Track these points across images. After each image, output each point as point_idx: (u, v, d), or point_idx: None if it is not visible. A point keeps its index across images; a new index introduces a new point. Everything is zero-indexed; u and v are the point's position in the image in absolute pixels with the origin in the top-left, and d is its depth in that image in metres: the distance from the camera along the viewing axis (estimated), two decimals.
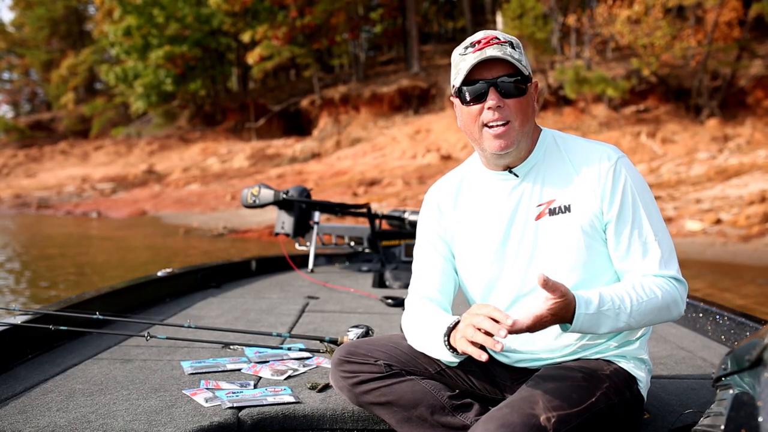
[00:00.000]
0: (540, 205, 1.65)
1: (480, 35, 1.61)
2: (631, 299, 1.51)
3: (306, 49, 31.80)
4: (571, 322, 1.45)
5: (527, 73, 1.60)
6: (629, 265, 1.60)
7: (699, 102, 22.39)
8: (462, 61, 1.60)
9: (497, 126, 1.59)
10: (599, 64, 24.14)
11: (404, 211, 5.14)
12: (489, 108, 1.58)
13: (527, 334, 1.66)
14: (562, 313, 1.43)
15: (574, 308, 1.44)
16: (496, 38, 1.59)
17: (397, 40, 37.37)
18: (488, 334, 1.36)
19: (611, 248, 1.62)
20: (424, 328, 1.65)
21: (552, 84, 24.38)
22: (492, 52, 1.56)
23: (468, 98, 1.61)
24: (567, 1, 25.25)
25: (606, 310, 1.48)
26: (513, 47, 1.59)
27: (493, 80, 1.58)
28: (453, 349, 1.52)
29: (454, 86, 1.65)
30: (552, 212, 1.63)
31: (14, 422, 1.68)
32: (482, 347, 1.40)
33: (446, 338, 1.53)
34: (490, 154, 1.65)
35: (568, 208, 1.62)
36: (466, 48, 1.61)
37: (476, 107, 1.61)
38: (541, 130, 1.74)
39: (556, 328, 1.63)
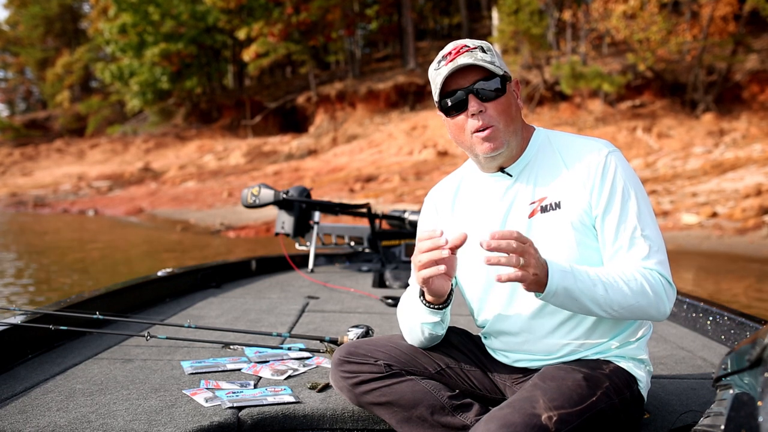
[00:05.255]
0: (533, 202, 1.66)
1: (450, 47, 1.64)
2: (609, 275, 1.51)
3: (302, 45, 31.74)
4: (544, 288, 1.45)
5: (502, 74, 1.61)
6: (616, 259, 1.60)
7: (695, 97, 22.42)
8: (437, 75, 1.63)
9: (483, 130, 1.62)
10: (595, 60, 24.16)
11: (404, 211, 5.15)
12: (472, 115, 1.61)
13: (528, 333, 1.69)
14: (540, 260, 1.43)
15: (547, 269, 1.44)
16: (466, 46, 1.62)
17: (393, 36, 37.31)
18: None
19: (599, 242, 1.62)
20: (408, 303, 1.74)
21: (548, 80, 24.39)
22: (463, 60, 1.58)
23: (450, 109, 1.64)
24: None
25: (580, 274, 1.48)
26: (484, 51, 1.61)
27: (470, 87, 1.60)
28: (429, 304, 1.63)
29: (436, 101, 1.68)
30: (543, 209, 1.64)
31: (14, 422, 1.68)
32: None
33: (422, 297, 1.65)
34: (483, 158, 1.67)
35: (558, 205, 1.63)
36: (439, 62, 1.64)
37: (460, 117, 1.63)
38: (533, 129, 1.75)
39: (554, 324, 1.66)
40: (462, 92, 1.60)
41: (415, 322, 1.71)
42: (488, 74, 1.60)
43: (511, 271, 1.41)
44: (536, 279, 1.42)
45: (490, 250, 1.39)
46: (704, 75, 22.52)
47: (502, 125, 1.62)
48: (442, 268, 1.47)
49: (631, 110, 23.00)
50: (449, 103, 1.63)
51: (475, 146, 1.64)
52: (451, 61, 1.60)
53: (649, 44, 21.41)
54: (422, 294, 1.63)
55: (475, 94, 1.60)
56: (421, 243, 1.49)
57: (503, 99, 1.61)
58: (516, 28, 23.25)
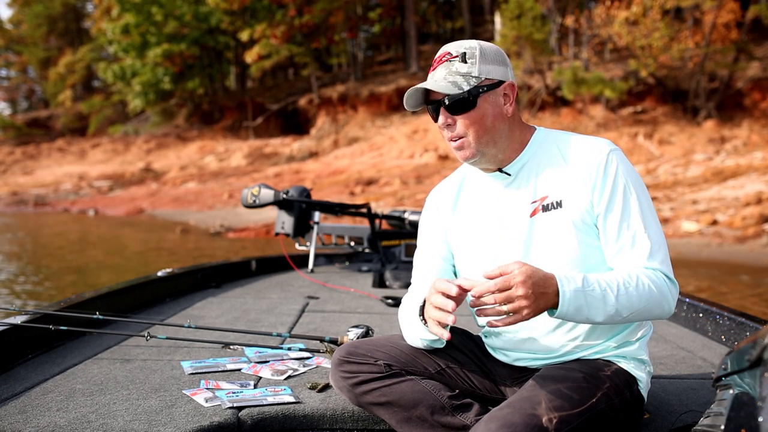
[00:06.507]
0: (534, 201, 1.67)
1: (440, 51, 1.67)
2: (618, 284, 1.50)
3: (304, 48, 31.79)
4: (556, 305, 1.44)
5: (470, 87, 1.60)
6: (619, 258, 1.60)
7: (696, 103, 22.43)
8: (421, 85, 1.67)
9: (454, 141, 1.66)
10: (597, 65, 24.17)
11: (404, 211, 5.14)
12: (441, 127, 1.67)
13: (528, 332, 1.69)
14: (539, 287, 1.40)
15: (557, 287, 1.44)
16: (449, 54, 1.64)
17: (396, 39, 37.37)
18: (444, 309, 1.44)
19: (602, 241, 1.62)
20: (409, 314, 1.72)
21: (550, 85, 24.41)
22: (430, 78, 1.65)
23: (431, 117, 1.70)
24: (565, 1, 25.27)
25: (591, 290, 1.47)
26: (464, 60, 1.62)
27: (441, 100, 1.64)
28: (428, 324, 1.59)
29: None
30: (545, 208, 1.65)
31: (14, 422, 1.68)
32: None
33: (422, 318, 1.61)
34: (465, 162, 1.71)
35: (560, 204, 1.63)
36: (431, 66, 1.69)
37: (438, 124, 1.68)
38: (534, 129, 1.75)
39: (554, 323, 1.66)
40: (433, 105, 1.66)
41: (414, 334, 1.71)
42: (460, 89, 1.61)
43: (501, 319, 1.42)
44: (538, 312, 1.42)
45: (475, 305, 1.41)
46: (706, 82, 22.53)
47: (472, 137, 1.64)
48: (450, 318, 1.43)
49: (632, 116, 23.01)
50: (430, 112, 1.69)
51: (454, 151, 1.70)
52: (432, 70, 1.66)
53: (651, 51, 21.42)
54: (422, 313, 1.62)
55: (445, 107, 1.63)
56: (435, 297, 1.46)
57: (473, 112, 1.62)
58: (518, 33, 23.26)
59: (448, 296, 1.43)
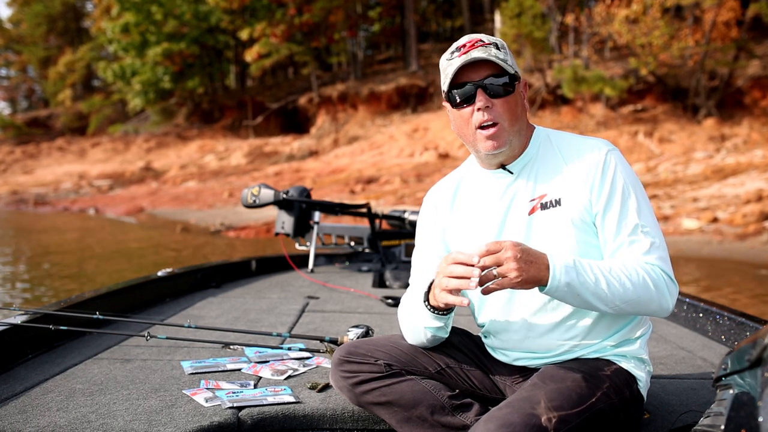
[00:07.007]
0: (532, 200, 1.67)
1: (465, 39, 1.65)
2: (611, 268, 1.52)
3: (304, 47, 31.79)
4: (546, 281, 1.47)
5: (513, 72, 1.63)
6: (617, 256, 1.60)
7: (696, 102, 22.42)
8: (449, 65, 1.63)
9: (488, 127, 1.62)
10: (597, 64, 24.16)
11: (404, 211, 5.13)
12: (478, 109, 1.62)
13: (527, 332, 1.69)
14: (528, 255, 1.45)
15: (548, 262, 1.47)
16: (481, 41, 1.63)
17: (396, 38, 37.36)
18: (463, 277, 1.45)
19: (600, 240, 1.63)
20: (411, 305, 1.72)
21: (550, 83, 24.40)
22: (477, 54, 1.59)
23: (458, 101, 1.65)
24: (565, 0, 25.26)
25: (583, 269, 1.49)
26: (498, 48, 1.62)
27: (480, 81, 1.61)
28: (433, 310, 1.61)
29: (444, 91, 1.68)
30: (543, 206, 1.65)
31: (14, 422, 1.68)
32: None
33: (426, 302, 1.62)
34: (484, 155, 1.68)
35: (558, 202, 1.64)
36: (453, 53, 1.64)
37: (467, 110, 1.64)
38: (534, 128, 1.76)
39: (553, 322, 1.66)
40: (471, 86, 1.61)
41: (417, 325, 1.70)
42: (499, 71, 1.61)
43: (492, 283, 1.45)
44: (527, 278, 1.44)
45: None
46: (706, 80, 22.52)
47: (506, 123, 1.63)
48: (473, 283, 1.44)
49: (632, 114, 23.00)
50: (457, 95, 1.64)
51: (477, 142, 1.65)
52: (464, 53, 1.61)
53: (651, 49, 21.41)
54: (426, 299, 1.62)
55: (483, 89, 1.61)
56: (453, 267, 1.46)
57: (511, 97, 1.63)
58: (518, 32, 23.25)
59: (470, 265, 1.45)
